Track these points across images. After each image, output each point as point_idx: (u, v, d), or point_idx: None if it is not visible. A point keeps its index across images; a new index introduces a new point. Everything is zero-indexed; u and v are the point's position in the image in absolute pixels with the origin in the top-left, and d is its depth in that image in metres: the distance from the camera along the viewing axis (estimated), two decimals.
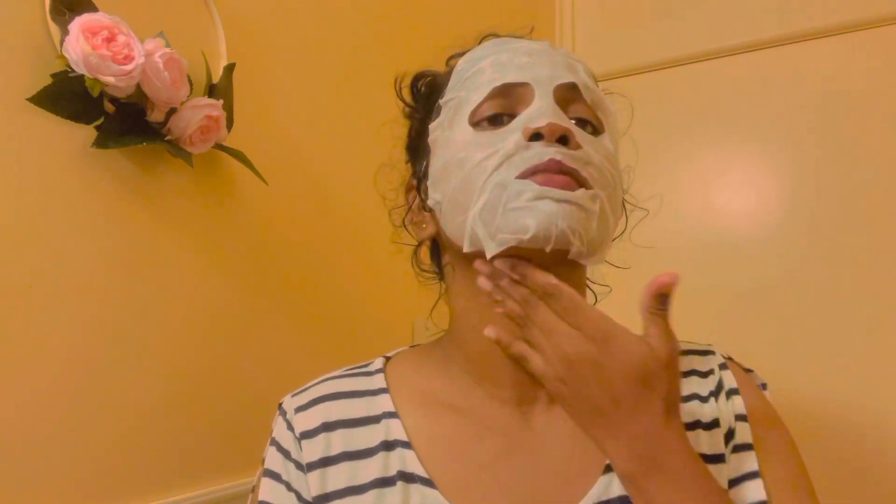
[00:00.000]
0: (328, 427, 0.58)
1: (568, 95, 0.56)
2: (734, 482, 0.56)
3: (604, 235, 0.54)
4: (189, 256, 0.81)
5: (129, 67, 0.67)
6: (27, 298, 0.67)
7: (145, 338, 0.76)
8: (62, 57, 0.67)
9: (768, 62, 1.22)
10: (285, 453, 0.58)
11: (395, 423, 0.58)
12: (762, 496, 0.55)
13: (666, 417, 0.47)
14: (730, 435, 0.58)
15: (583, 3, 1.48)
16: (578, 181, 0.51)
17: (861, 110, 1.12)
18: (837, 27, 1.14)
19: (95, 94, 0.68)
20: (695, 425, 0.58)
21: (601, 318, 0.48)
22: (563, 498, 0.55)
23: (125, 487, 0.74)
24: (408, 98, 0.65)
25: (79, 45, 0.65)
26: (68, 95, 0.68)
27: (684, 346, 0.64)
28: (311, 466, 0.56)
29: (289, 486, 0.56)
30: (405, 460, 0.56)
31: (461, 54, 0.61)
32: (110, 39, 0.67)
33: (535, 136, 0.52)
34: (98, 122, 0.71)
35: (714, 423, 0.58)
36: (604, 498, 0.54)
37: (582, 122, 0.56)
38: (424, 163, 0.61)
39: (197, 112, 0.75)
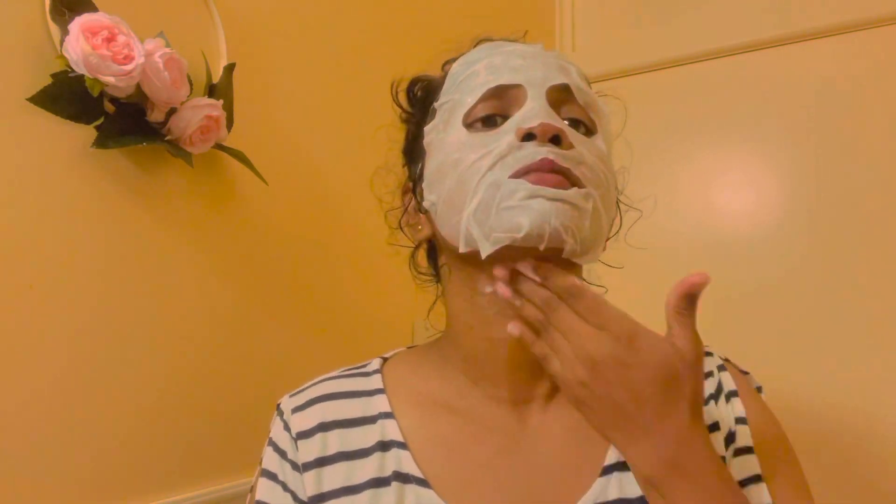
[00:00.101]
0: (324, 427, 0.58)
1: (560, 97, 0.56)
2: (739, 485, 0.56)
3: (597, 234, 0.54)
4: (189, 256, 0.81)
5: (129, 67, 0.67)
6: (28, 298, 0.67)
7: (145, 337, 0.76)
8: (62, 57, 0.67)
9: (768, 62, 1.22)
10: (282, 453, 0.58)
11: (390, 423, 0.58)
12: (767, 500, 0.55)
13: (692, 420, 0.47)
14: (730, 438, 0.58)
15: (582, 4, 1.48)
16: (571, 180, 0.52)
17: (861, 110, 1.12)
18: (837, 27, 1.14)
19: (95, 94, 0.68)
20: None
21: (625, 318, 0.48)
22: (559, 498, 0.55)
23: (125, 487, 0.74)
24: (404, 103, 0.66)
25: (79, 45, 0.65)
26: (68, 95, 0.68)
27: None
28: (307, 466, 0.56)
29: (285, 487, 0.57)
30: (400, 461, 0.56)
31: (456, 59, 0.62)
32: (110, 39, 0.67)
33: (528, 137, 0.52)
34: (98, 122, 0.71)
35: (714, 427, 0.59)
36: (601, 500, 0.54)
37: (575, 123, 0.57)
38: (420, 165, 0.61)
39: (197, 112, 0.75)
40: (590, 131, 0.57)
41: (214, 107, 0.77)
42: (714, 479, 0.47)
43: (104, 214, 0.73)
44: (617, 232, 0.63)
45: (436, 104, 0.59)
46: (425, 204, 0.59)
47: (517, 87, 0.55)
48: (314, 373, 0.65)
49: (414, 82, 0.65)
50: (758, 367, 0.71)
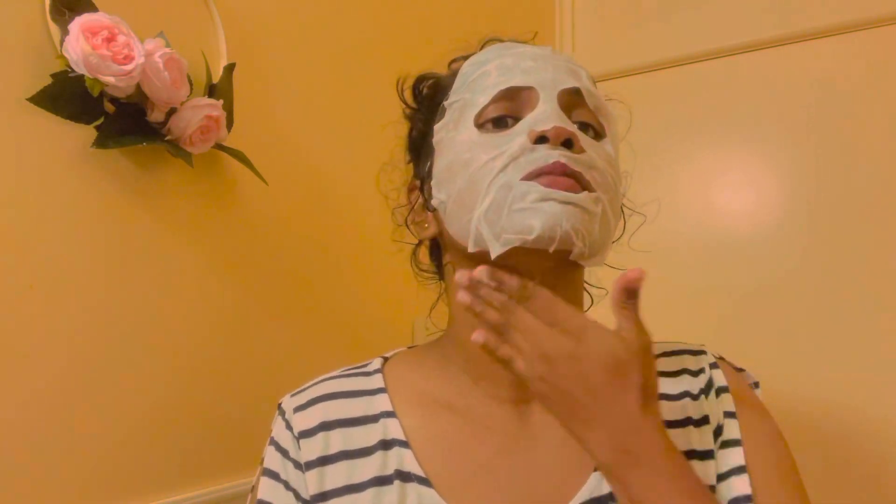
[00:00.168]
0: (326, 426, 0.58)
1: (571, 100, 0.57)
2: (721, 477, 0.57)
3: (604, 237, 0.55)
4: (189, 256, 0.81)
5: (129, 67, 0.67)
6: (28, 298, 0.67)
7: (145, 337, 0.76)
8: (62, 57, 0.67)
9: (768, 62, 1.22)
10: (283, 452, 0.58)
11: (392, 422, 0.58)
12: (748, 491, 0.55)
13: (642, 408, 0.48)
14: (718, 431, 0.59)
15: (582, 4, 1.48)
16: (582, 184, 0.53)
17: (860, 110, 1.12)
18: (837, 27, 1.14)
19: (95, 94, 0.68)
20: (686, 422, 0.59)
21: (575, 314, 0.50)
22: (558, 496, 0.55)
23: (125, 487, 0.74)
24: (409, 100, 0.66)
25: (79, 45, 0.65)
26: (68, 95, 0.68)
27: (677, 347, 0.65)
28: (309, 465, 0.56)
29: (287, 485, 0.57)
30: (402, 459, 0.56)
31: (464, 57, 0.62)
32: (110, 39, 0.67)
33: (541, 139, 0.53)
34: (98, 122, 0.71)
35: (704, 420, 0.59)
36: (596, 494, 0.55)
37: (584, 127, 0.57)
38: (428, 163, 0.61)
39: (197, 112, 0.75)
40: (599, 135, 0.58)
41: (214, 107, 0.77)
42: (666, 464, 0.48)
43: (104, 214, 0.73)
44: (620, 236, 0.64)
45: (445, 103, 0.59)
46: (433, 202, 0.59)
47: (529, 89, 0.55)
48: (314, 372, 0.65)
49: (420, 79, 0.66)
50: (758, 366, 0.71)
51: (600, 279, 0.67)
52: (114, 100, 0.71)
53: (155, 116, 0.74)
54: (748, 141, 1.24)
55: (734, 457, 0.57)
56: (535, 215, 0.50)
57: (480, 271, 0.52)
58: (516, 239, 0.51)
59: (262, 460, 0.60)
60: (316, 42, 0.98)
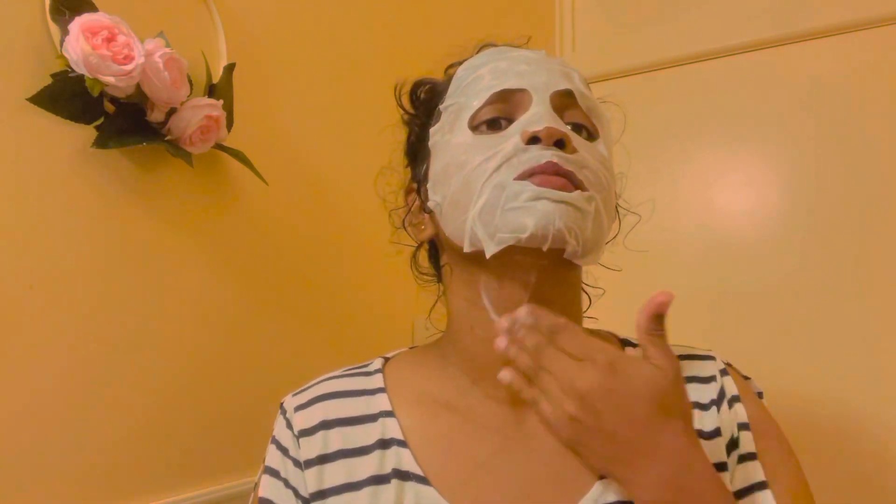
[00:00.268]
0: (326, 425, 0.58)
1: (564, 102, 0.58)
2: (744, 492, 0.56)
3: (598, 236, 0.55)
4: (189, 256, 0.81)
5: (129, 67, 0.67)
6: (28, 298, 0.67)
7: (145, 337, 0.76)
8: (62, 57, 0.67)
9: (768, 62, 1.22)
10: (284, 451, 0.58)
11: (391, 421, 0.58)
12: None
13: (687, 438, 0.47)
14: (733, 444, 0.58)
15: (582, 4, 1.48)
16: (574, 183, 0.53)
17: (860, 110, 1.12)
18: (836, 27, 1.14)
19: (95, 94, 0.68)
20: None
21: (603, 346, 0.48)
22: (557, 499, 0.55)
23: (125, 487, 0.74)
24: (407, 105, 0.67)
25: (79, 45, 0.65)
26: (68, 95, 0.68)
27: (684, 351, 0.64)
28: (308, 463, 0.57)
29: (287, 483, 0.57)
30: (401, 458, 0.56)
31: (460, 63, 0.63)
32: (110, 39, 0.67)
33: (533, 140, 0.53)
34: (98, 122, 0.71)
35: (715, 433, 0.58)
36: (601, 502, 0.54)
37: (577, 128, 0.58)
38: (424, 166, 0.62)
39: (197, 112, 0.75)
40: (591, 136, 0.59)
41: (214, 107, 0.77)
42: (717, 494, 0.47)
43: (104, 214, 0.73)
44: (615, 236, 0.64)
45: (441, 106, 0.61)
46: (430, 204, 0.60)
47: (522, 91, 0.56)
48: (314, 372, 0.65)
49: (417, 85, 0.66)
50: (757, 366, 0.71)
51: (596, 279, 0.67)
52: (114, 100, 0.71)
53: (155, 116, 0.74)
54: (748, 141, 1.24)
55: (755, 472, 0.57)
56: (529, 214, 0.51)
57: (523, 312, 0.50)
58: (510, 238, 0.51)
59: (265, 458, 0.60)
60: (316, 42, 0.98)
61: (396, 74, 0.68)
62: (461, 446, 0.57)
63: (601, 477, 0.55)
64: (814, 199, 1.16)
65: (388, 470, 0.56)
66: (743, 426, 0.59)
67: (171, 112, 0.75)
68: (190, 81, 0.77)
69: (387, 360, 0.66)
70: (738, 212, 1.24)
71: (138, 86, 0.71)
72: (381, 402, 0.60)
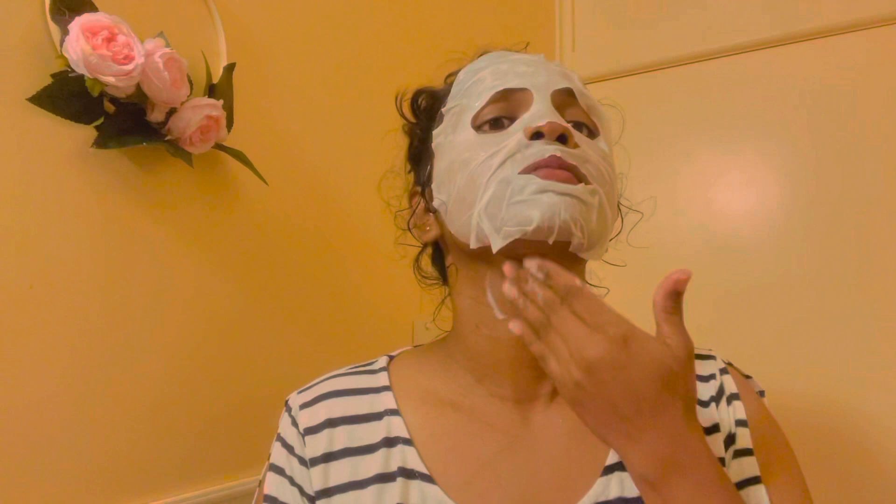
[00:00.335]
0: (332, 423, 0.58)
1: (564, 100, 0.59)
2: (737, 487, 0.56)
3: (602, 230, 0.55)
4: (189, 256, 0.81)
5: (129, 67, 0.67)
6: (28, 299, 0.67)
7: (145, 337, 0.76)
8: (62, 57, 0.67)
9: (767, 62, 1.22)
10: (289, 448, 0.59)
11: (396, 420, 0.59)
12: (765, 502, 0.56)
13: (686, 418, 0.47)
14: (730, 440, 0.59)
15: (582, 4, 1.48)
16: (578, 176, 0.54)
17: (860, 110, 1.12)
18: (836, 27, 1.14)
19: (95, 94, 0.68)
20: None
21: (621, 320, 0.48)
22: (560, 496, 0.55)
23: (125, 487, 0.74)
24: (408, 114, 0.68)
25: (79, 45, 0.65)
26: (68, 95, 0.68)
27: None
28: (313, 461, 0.57)
29: (292, 481, 0.57)
30: (406, 456, 0.57)
31: (459, 70, 0.64)
32: (110, 39, 0.67)
33: (536, 135, 0.54)
34: (98, 122, 0.71)
35: (714, 428, 0.59)
36: (602, 499, 0.55)
37: (578, 126, 0.59)
38: (428, 167, 0.63)
39: (197, 112, 0.75)
40: (592, 134, 0.60)
41: (214, 107, 0.77)
42: (711, 476, 0.47)
43: (104, 214, 0.73)
44: (618, 233, 0.65)
45: (443, 109, 0.62)
46: (434, 203, 0.60)
47: (523, 90, 0.57)
48: (314, 372, 0.65)
49: (417, 93, 0.67)
50: (757, 366, 0.71)
51: (601, 279, 0.67)
52: (114, 100, 0.71)
53: (155, 116, 0.74)
54: (748, 141, 1.24)
55: (748, 467, 0.57)
56: (534, 206, 0.51)
57: (530, 262, 0.52)
58: (516, 231, 0.51)
59: (270, 455, 0.60)
60: (316, 42, 0.98)
61: (396, 74, 0.68)
62: (466, 445, 0.58)
63: (603, 473, 0.56)
64: (813, 199, 1.16)
65: (393, 468, 0.56)
66: (741, 423, 0.59)
67: (171, 112, 0.75)
68: (190, 81, 0.77)
69: (391, 358, 0.66)
70: (738, 211, 1.24)
71: (138, 86, 0.71)
72: (386, 401, 0.60)
